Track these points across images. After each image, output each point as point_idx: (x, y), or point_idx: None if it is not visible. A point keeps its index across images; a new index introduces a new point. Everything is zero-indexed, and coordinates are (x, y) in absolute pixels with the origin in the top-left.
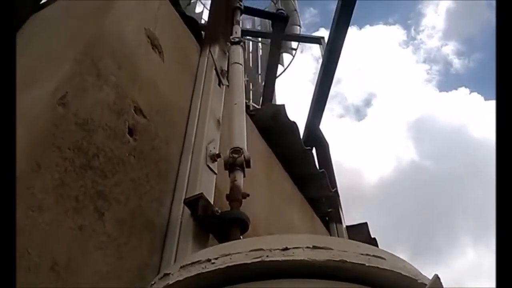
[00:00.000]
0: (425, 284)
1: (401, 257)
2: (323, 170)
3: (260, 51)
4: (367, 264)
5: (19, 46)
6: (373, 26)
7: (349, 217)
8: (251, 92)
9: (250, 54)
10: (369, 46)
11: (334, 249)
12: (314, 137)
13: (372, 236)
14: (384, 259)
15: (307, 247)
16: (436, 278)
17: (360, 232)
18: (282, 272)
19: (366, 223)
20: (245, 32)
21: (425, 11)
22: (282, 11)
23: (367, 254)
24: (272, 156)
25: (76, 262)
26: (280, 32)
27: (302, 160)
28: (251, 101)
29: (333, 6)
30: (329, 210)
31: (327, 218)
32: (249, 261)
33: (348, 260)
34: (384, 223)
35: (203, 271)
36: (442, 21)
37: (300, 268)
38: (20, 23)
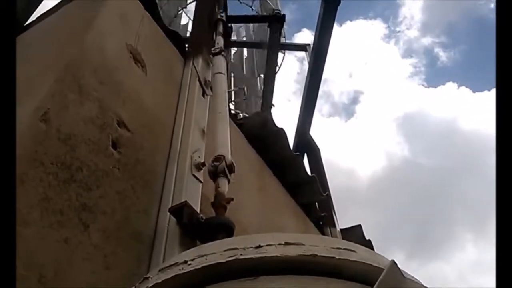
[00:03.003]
0: None
1: (398, 255)
2: (313, 175)
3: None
4: (337, 257)
5: None
6: (353, 22)
7: (344, 219)
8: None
9: (245, 61)
10: (351, 42)
11: (306, 244)
12: (305, 143)
13: (367, 238)
14: (355, 251)
15: (280, 244)
16: (392, 263)
17: (354, 235)
18: (256, 269)
19: (360, 225)
20: (236, 44)
21: (403, 1)
22: (278, 12)
23: (337, 248)
24: (262, 163)
25: (63, 273)
26: (276, 34)
27: (292, 166)
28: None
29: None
30: (322, 214)
31: (321, 223)
32: (223, 260)
33: (319, 254)
34: (379, 223)
35: (180, 272)
36: (420, 11)
37: (273, 265)
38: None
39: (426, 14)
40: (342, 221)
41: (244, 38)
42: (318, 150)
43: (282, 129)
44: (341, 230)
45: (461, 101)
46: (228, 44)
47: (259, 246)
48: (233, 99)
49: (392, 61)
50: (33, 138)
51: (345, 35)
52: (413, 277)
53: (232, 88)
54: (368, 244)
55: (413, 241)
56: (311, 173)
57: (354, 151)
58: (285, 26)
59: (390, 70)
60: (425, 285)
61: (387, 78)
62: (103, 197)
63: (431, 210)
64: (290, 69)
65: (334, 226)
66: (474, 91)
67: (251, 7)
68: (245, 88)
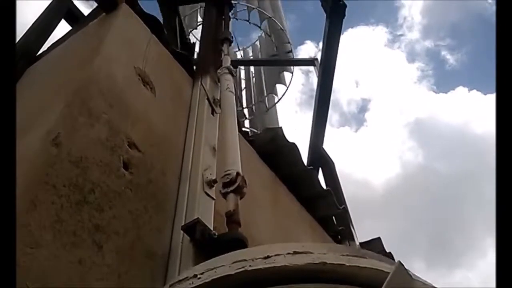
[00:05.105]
0: None
1: (418, 265)
2: (328, 188)
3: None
4: (347, 264)
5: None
6: (354, 29)
7: (360, 230)
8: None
9: (253, 79)
10: (355, 50)
11: (315, 253)
12: (319, 157)
13: (387, 251)
14: (365, 258)
15: (288, 253)
16: (399, 264)
17: (374, 248)
18: (265, 280)
19: (379, 238)
20: (240, 62)
21: (403, 4)
22: None
23: (347, 255)
24: (275, 179)
25: None
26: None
27: (307, 180)
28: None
29: (310, 7)
30: (340, 228)
31: (339, 237)
32: (232, 272)
33: (328, 262)
34: (397, 232)
35: (190, 286)
36: (421, 13)
37: (282, 274)
38: (17, 77)
39: (427, 16)
40: (359, 232)
41: (251, 58)
42: (333, 163)
43: (294, 144)
44: (360, 243)
45: (472, 105)
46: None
47: (268, 257)
48: (247, 116)
49: (398, 66)
50: (45, 161)
51: (348, 43)
52: (421, 279)
53: (244, 106)
54: (389, 257)
55: (433, 249)
56: (327, 187)
57: (367, 160)
58: (290, 40)
59: (397, 75)
60: None
61: (395, 84)
62: (116, 217)
63: (449, 216)
64: (295, 80)
65: (353, 239)
66: (485, 93)
67: (259, 27)
68: (253, 107)
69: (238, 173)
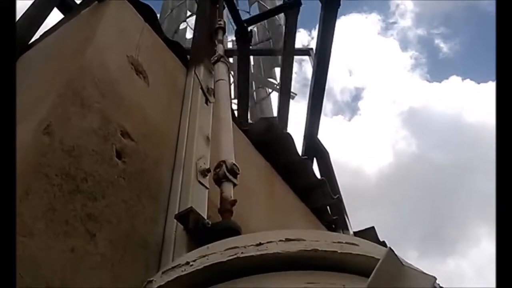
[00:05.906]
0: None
1: (411, 254)
2: (323, 178)
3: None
4: (339, 251)
5: None
6: (347, 16)
7: (354, 220)
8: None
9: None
10: (348, 38)
11: (307, 240)
12: (313, 147)
13: (381, 240)
14: (357, 245)
15: (280, 240)
16: (389, 251)
17: (367, 237)
18: (257, 267)
19: (373, 227)
20: (235, 52)
21: None
22: None
23: (339, 242)
24: (270, 169)
25: (70, 283)
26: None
27: (301, 170)
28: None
29: None
30: (334, 217)
31: (333, 226)
32: (225, 259)
33: (320, 249)
34: (390, 221)
35: (182, 273)
36: (413, 1)
37: (274, 261)
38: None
39: (420, 3)
40: (353, 221)
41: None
42: (327, 153)
43: (288, 133)
44: (354, 233)
45: (466, 94)
46: (247, 49)
47: (260, 244)
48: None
49: (392, 54)
50: (37, 151)
51: (342, 31)
52: (412, 265)
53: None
54: (383, 246)
55: (426, 238)
56: (321, 177)
57: (361, 150)
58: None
59: (390, 64)
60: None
61: (388, 72)
62: (109, 206)
63: (442, 205)
64: None
65: (347, 229)
66: (478, 83)
67: (248, 12)
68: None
69: (228, 162)
